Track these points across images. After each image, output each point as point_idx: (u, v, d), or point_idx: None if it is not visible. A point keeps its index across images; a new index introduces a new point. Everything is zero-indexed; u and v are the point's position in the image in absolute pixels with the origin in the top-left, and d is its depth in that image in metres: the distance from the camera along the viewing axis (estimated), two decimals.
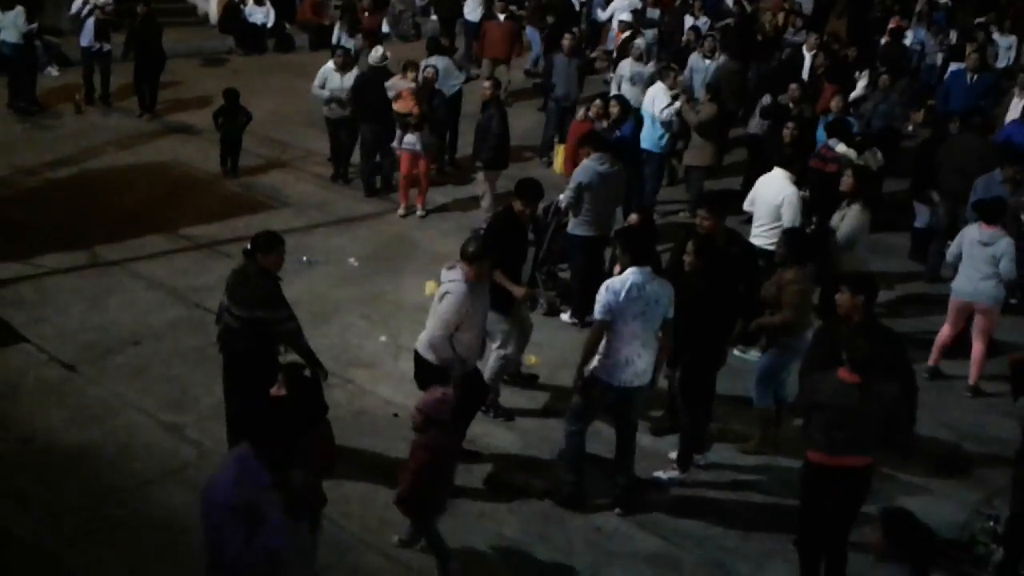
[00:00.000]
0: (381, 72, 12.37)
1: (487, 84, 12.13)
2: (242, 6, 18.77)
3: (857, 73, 15.25)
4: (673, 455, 7.62)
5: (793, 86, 12.61)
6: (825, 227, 9.52)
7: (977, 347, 9.18)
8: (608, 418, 7.27)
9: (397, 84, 12.20)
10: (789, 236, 7.93)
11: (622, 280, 6.68)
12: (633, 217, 9.03)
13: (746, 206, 9.75)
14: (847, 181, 9.39)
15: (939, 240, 11.25)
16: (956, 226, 10.79)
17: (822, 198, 10.36)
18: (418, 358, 7.03)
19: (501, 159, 11.66)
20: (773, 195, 9.38)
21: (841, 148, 11.11)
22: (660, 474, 7.50)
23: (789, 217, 9.26)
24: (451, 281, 6.92)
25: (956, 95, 14.01)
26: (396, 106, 11.96)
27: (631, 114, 11.76)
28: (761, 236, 9.34)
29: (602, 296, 6.67)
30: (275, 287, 6.77)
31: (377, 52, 12.57)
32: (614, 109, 11.39)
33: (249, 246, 6.79)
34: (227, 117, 12.64)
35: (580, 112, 12.37)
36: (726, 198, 9.68)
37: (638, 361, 6.73)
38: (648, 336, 6.73)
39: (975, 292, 9.02)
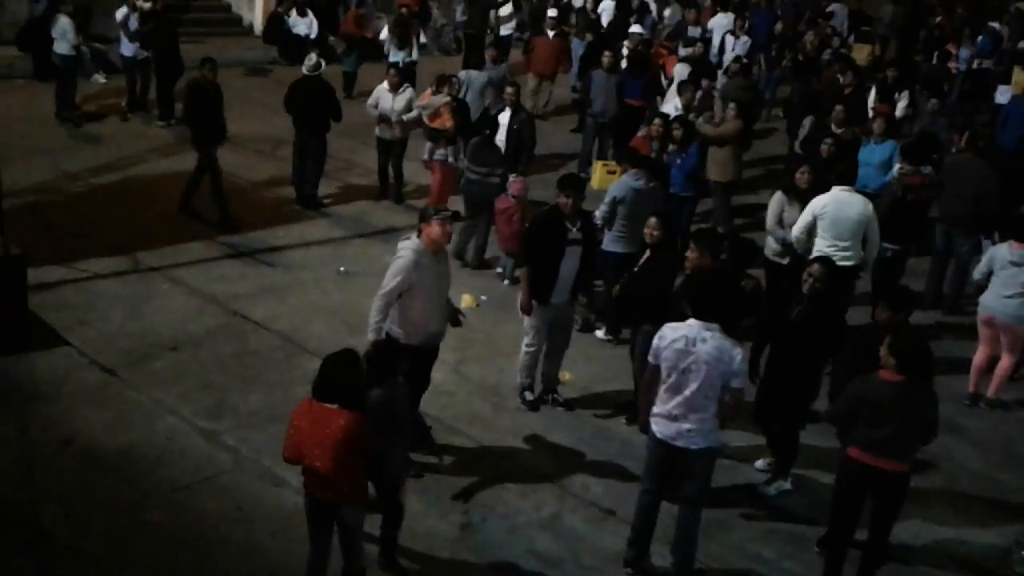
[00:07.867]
0: (314, 81, 12.12)
1: (510, 90, 12.18)
2: (286, 17, 18.98)
3: (897, 94, 15.16)
4: (761, 463, 7.80)
5: (838, 107, 12.49)
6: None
7: (1003, 361, 9.13)
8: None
9: (433, 101, 12.22)
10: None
11: (675, 328, 6.14)
12: (652, 221, 8.15)
13: (802, 229, 9.29)
14: (808, 178, 9.55)
15: (935, 263, 11.28)
16: (951, 251, 10.96)
17: (916, 225, 10.35)
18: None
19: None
20: (859, 215, 9.16)
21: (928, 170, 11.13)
22: (768, 488, 7.56)
23: (876, 238, 9.31)
24: (402, 247, 7.05)
25: (1014, 122, 13.88)
26: (435, 123, 12.00)
27: (696, 138, 11.58)
28: (838, 255, 9.11)
29: (654, 339, 6.27)
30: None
31: (310, 60, 12.33)
32: (677, 132, 11.24)
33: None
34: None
35: (642, 130, 12.35)
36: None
37: (683, 422, 6.13)
38: (700, 398, 6.07)
39: (997, 308, 8.98)
